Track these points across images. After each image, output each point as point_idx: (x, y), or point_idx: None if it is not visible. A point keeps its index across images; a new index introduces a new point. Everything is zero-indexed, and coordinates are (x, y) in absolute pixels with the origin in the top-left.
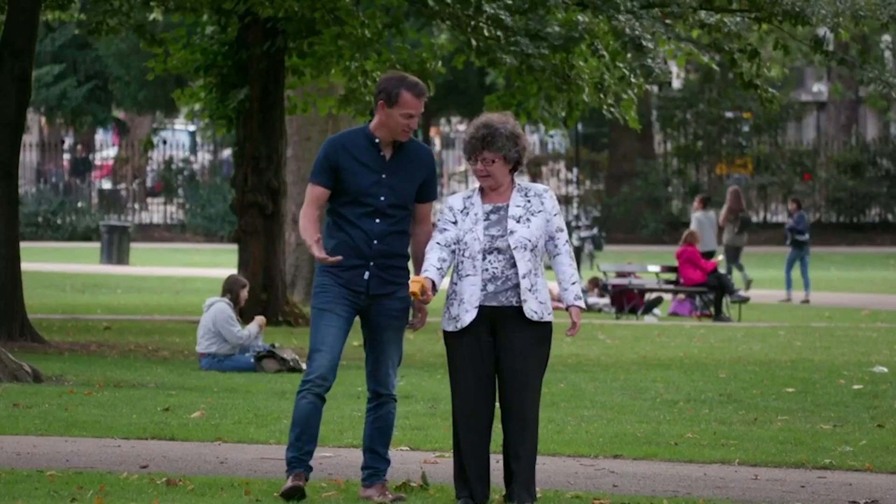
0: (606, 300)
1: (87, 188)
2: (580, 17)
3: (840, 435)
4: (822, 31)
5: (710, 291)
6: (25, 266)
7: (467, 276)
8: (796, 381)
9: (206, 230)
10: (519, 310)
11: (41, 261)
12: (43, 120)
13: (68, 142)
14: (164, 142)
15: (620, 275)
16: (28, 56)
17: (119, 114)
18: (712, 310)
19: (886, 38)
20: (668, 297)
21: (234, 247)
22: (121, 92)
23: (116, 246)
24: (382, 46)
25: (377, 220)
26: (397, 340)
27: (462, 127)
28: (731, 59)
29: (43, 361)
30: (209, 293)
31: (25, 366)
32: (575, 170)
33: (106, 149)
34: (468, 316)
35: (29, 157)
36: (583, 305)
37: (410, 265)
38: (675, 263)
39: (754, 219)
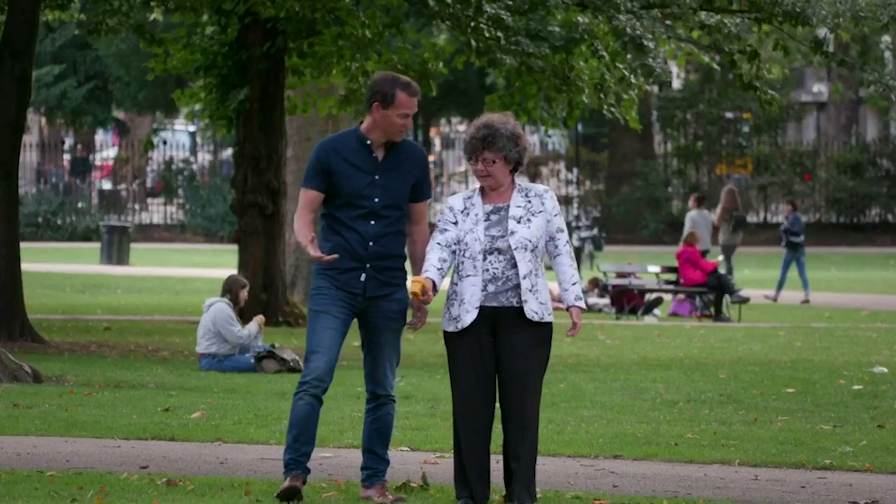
0: (606, 300)
1: (87, 188)
2: (580, 18)
3: (840, 435)
4: (822, 31)
5: (710, 292)
6: (25, 266)
7: (468, 276)
8: (796, 381)
9: (206, 230)
10: (519, 310)
11: (41, 261)
12: (43, 120)
13: (68, 142)
14: (164, 142)
15: (620, 275)
16: (28, 56)
17: (119, 114)
18: (712, 310)
19: (886, 38)
20: (668, 297)
21: (234, 247)
22: (121, 92)
23: (116, 246)
24: (383, 47)
25: (372, 222)
26: (395, 342)
27: (462, 127)
28: (730, 61)
29: (43, 362)
30: (209, 293)
31: (25, 366)
32: (575, 170)
33: (106, 149)
34: (469, 316)
35: (29, 157)
36: (583, 306)
37: (408, 265)
38: (675, 264)
39: (754, 219)
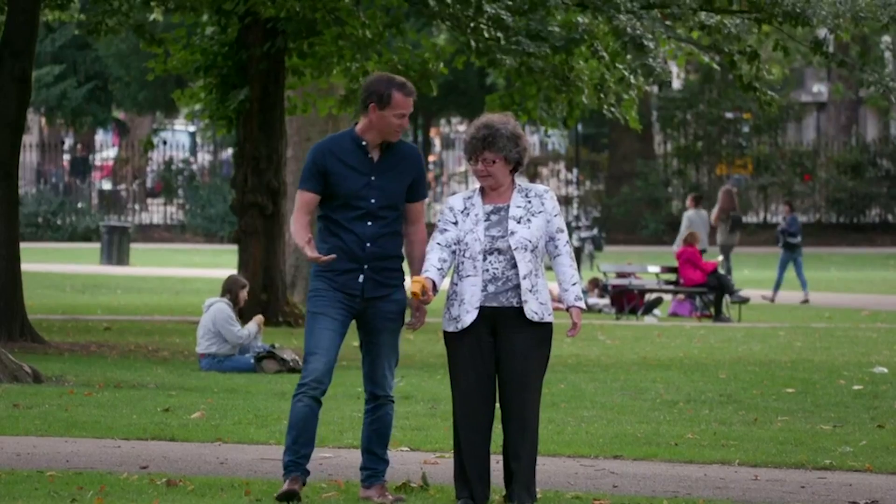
0: (606, 301)
1: (87, 189)
2: (580, 19)
3: (840, 435)
4: (822, 32)
5: (710, 292)
6: (25, 266)
7: (468, 276)
8: (796, 381)
9: (206, 231)
10: (520, 310)
11: (41, 261)
12: (43, 120)
13: (68, 142)
14: (164, 142)
15: (620, 275)
16: (28, 56)
17: (119, 114)
18: (712, 310)
19: (886, 38)
20: (668, 297)
21: (234, 247)
22: (121, 92)
23: (116, 246)
24: (383, 47)
25: (369, 223)
26: (394, 342)
27: (462, 127)
28: (730, 61)
29: (43, 362)
30: (209, 294)
31: (25, 366)
32: (575, 170)
33: (106, 149)
34: (469, 317)
35: (29, 157)
36: (583, 306)
37: (405, 266)
38: (675, 264)
39: (754, 220)
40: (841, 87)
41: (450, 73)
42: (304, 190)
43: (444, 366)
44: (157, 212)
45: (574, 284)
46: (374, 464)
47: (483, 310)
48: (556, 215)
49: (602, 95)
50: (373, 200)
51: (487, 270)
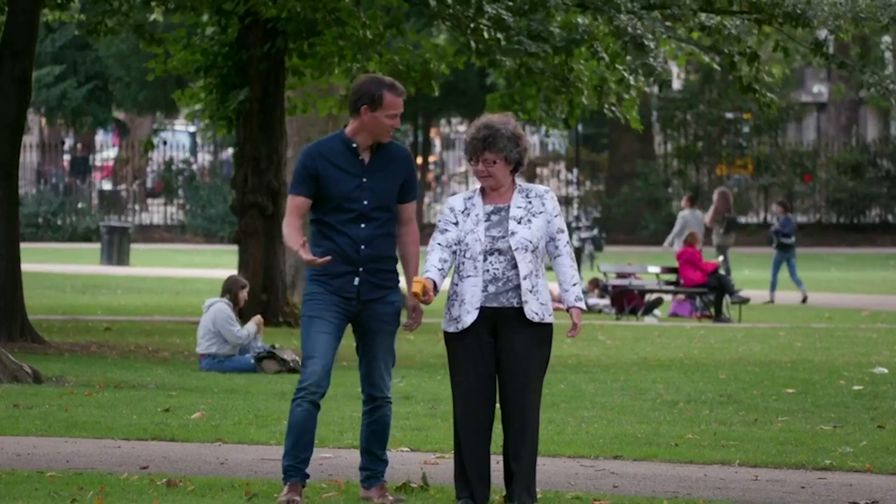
0: (607, 301)
1: (87, 189)
2: (580, 19)
3: (840, 436)
4: (822, 33)
5: (710, 292)
6: (25, 267)
7: (468, 277)
8: (796, 381)
9: (206, 231)
10: (520, 311)
11: (41, 261)
12: (43, 121)
13: (68, 142)
14: (165, 143)
15: (621, 276)
16: (28, 57)
17: (119, 114)
18: (712, 310)
19: (887, 38)
20: (668, 297)
21: (235, 248)
22: (121, 93)
23: (116, 247)
24: (383, 48)
25: (362, 225)
26: (390, 344)
27: (462, 128)
28: (730, 62)
29: (43, 362)
30: (209, 294)
31: (26, 366)
32: (575, 170)
33: (106, 149)
34: (469, 317)
35: (29, 157)
36: (584, 307)
37: (399, 267)
38: (676, 264)
39: (754, 220)
40: (843, 87)
41: (450, 73)
42: (295, 194)
43: (444, 366)
44: (157, 212)
45: (574, 285)
46: (373, 464)
47: (483, 310)
48: (556, 216)
49: (602, 96)
50: (365, 202)
51: (488, 271)
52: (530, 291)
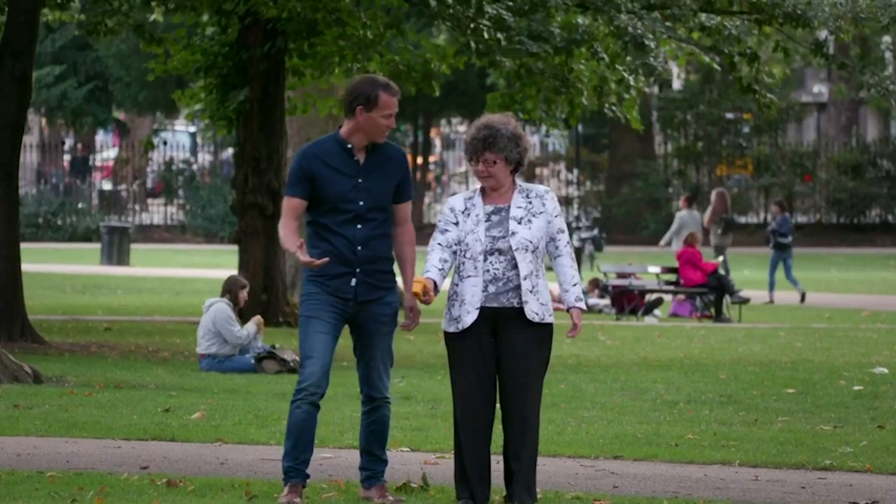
0: (607, 301)
1: (87, 189)
2: (580, 20)
3: (840, 436)
4: (822, 33)
5: (710, 292)
6: (26, 267)
7: (468, 277)
8: (797, 382)
9: (206, 231)
10: (520, 311)
11: (41, 262)
12: (43, 121)
13: (69, 143)
14: (165, 143)
15: (621, 276)
16: (28, 57)
17: (119, 115)
18: (713, 311)
19: (887, 38)
20: (668, 297)
21: (235, 248)
22: (121, 93)
23: (117, 247)
24: (383, 48)
25: (359, 226)
26: (388, 345)
27: (462, 128)
28: (730, 63)
29: (43, 362)
30: (209, 294)
31: (26, 367)
32: (575, 171)
33: (106, 150)
34: (469, 317)
35: (29, 157)
36: (584, 307)
37: (396, 268)
38: (676, 264)
39: (754, 220)
40: (844, 87)
41: (450, 73)
42: (290, 195)
43: (444, 366)
44: (157, 212)
45: (574, 285)
46: (373, 464)
47: (484, 310)
48: (556, 216)
49: (602, 96)
50: (361, 203)
51: (488, 271)
52: (531, 292)
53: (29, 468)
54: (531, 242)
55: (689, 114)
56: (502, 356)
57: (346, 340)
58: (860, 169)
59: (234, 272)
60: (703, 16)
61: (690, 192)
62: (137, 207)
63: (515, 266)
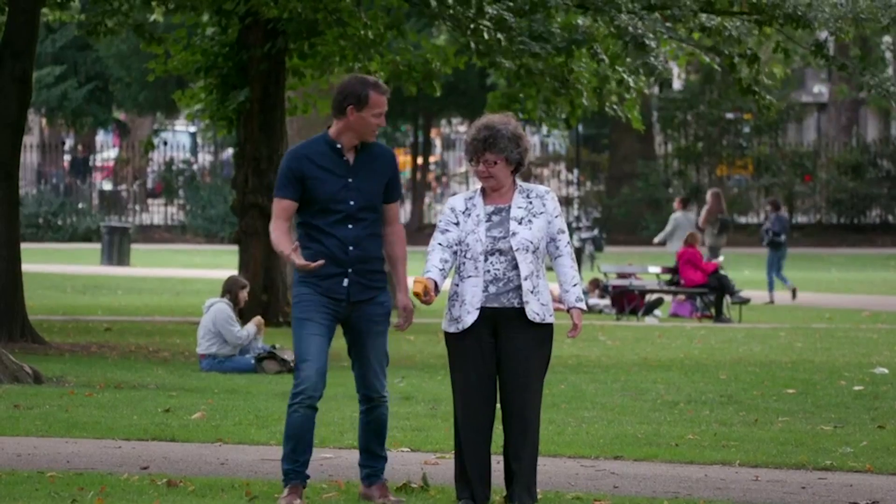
0: (607, 301)
1: (87, 189)
2: (580, 20)
3: (841, 436)
4: (822, 34)
5: (710, 292)
6: (26, 267)
7: (469, 277)
8: (797, 382)
9: (206, 231)
10: (521, 311)
11: (42, 262)
12: (44, 121)
13: (69, 143)
14: (165, 143)
15: (621, 276)
16: (28, 57)
17: (120, 115)
18: (713, 311)
19: (887, 39)
20: (668, 298)
21: (235, 248)
22: (121, 93)
23: (117, 247)
24: (384, 48)
25: (350, 226)
26: (382, 344)
27: (463, 128)
28: (730, 64)
29: (43, 362)
30: (210, 294)
31: (26, 367)
32: (575, 171)
33: (106, 150)
34: (470, 317)
35: (29, 158)
36: (584, 307)
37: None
38: (676, 264)
39: (754, 220)
40: (845, 88)
41: (451, 73)
42: (281, 197)
43: (444, 366)
44: (157, 212)
45: (575, 285)
46: (373, 461)
47: (484, 311)
48: (557, 216)
49: (602, 97)
50: (352, 202)
51: (489, 271)
52: (531, 292)
53: (29, 468)
54: (532, 243)
55: (689, 114)
56: (503, 356)
57: (343, 341)
58: (860, 169)
59: (235, 272)
60: (703, 16)
61: (686, 195)
62: (138, 208)
63: (516, 266)
